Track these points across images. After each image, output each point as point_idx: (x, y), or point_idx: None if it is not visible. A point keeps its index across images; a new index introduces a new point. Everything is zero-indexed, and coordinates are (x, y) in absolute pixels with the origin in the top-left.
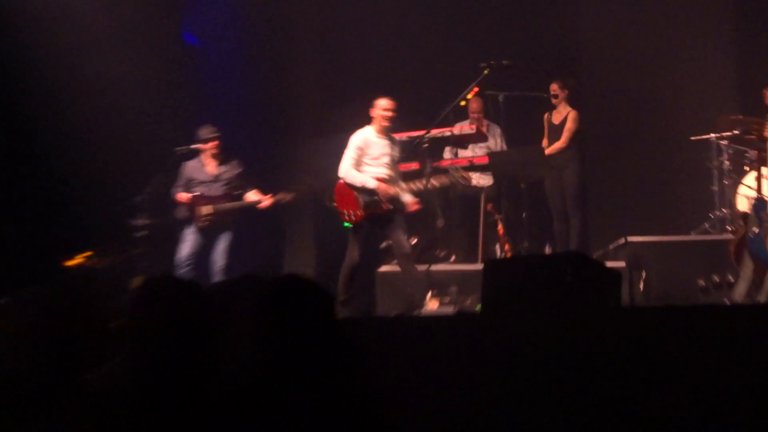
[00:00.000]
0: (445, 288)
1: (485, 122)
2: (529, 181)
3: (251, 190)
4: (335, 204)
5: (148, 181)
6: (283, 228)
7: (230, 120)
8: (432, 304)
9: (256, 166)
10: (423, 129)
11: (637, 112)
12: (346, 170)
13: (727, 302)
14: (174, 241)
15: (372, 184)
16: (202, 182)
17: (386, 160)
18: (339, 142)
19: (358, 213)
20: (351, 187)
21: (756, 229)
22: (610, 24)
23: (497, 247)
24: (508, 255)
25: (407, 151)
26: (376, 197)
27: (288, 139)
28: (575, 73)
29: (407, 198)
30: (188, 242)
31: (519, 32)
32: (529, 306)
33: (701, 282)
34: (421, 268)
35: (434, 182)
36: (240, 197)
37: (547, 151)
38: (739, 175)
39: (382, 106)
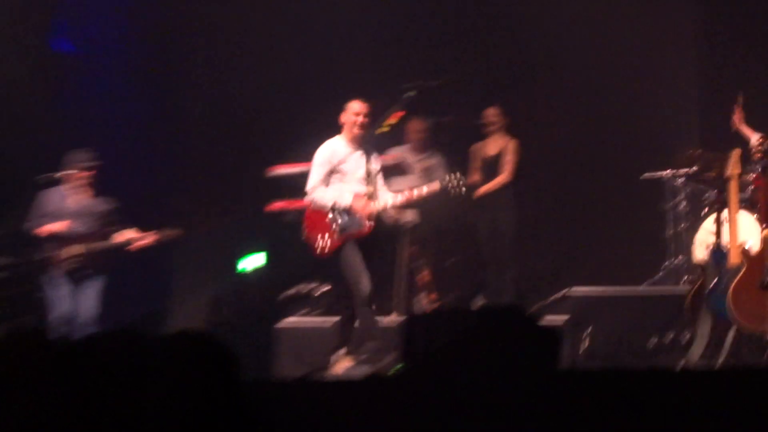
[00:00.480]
0: (360, 345)
1: (423, 150)
2: (459, 223)
3: (129, 227)
4: (306, 234)
5: (5, 215)
6: (171, 272)
7: (112, 144)
8: (343, 363)
9: (141, 199)
10: None
11: (583, 145)
12: (312, 190)
13: (683, 364)
14: (37, 284)
15: (345, 200)
16: (69, 216)
17: (361, 174)
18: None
19: (334, 239)
20: (323, 209)
21: (715, 281)
22: (555, 45)
23: (421, 297)
24: (434, 307)
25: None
26: (354, 217)
27: (185, 167)
28: (516, 99)
29: (402, 213)
30: (58, 293)
31: (455, 52)
32: (456, 367)
33: (653, 341)
34: (333, 320)
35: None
36: (113, 234)
37: (484, 188)
38: (696, 219)
39: (354, 110)
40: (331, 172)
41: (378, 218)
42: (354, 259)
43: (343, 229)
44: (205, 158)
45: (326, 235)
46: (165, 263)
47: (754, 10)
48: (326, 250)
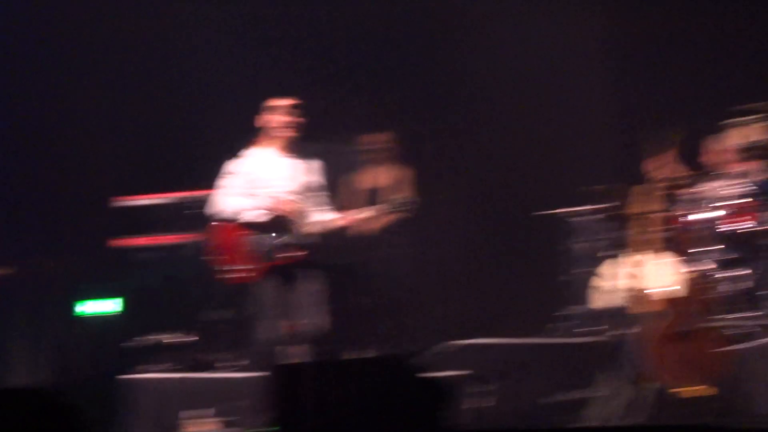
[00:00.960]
0: (214, 404)
1: None
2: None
3: None
4: (212, 261)
5: None
6: None
7: None
8: (193, 427)
9: None
10: (205, 188)
11: (473, 178)
12: (223, 203)
13: (595, 423)
14: None
15: (266, 212)
16: None
17: (287, 187)
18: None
19: (255, 267)
20: (239, 227)
21: (629, 330)
22: (451, 70)
23: (284, 349)
24: (298, 359)
25: (168, 219)
26: (284, 237)
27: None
28: (403, 126)
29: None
30: None
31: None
32: (334, 423)
33: (562, 396)
34: (183, 376)
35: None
36: None
37: (380, 224)
38: (601, 262)
39: (284, 108)
40: (248, 188)
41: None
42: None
43: (269, 254)
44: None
45: (241, 263)
46: None
47: (665, 42)
48: (243, 277)
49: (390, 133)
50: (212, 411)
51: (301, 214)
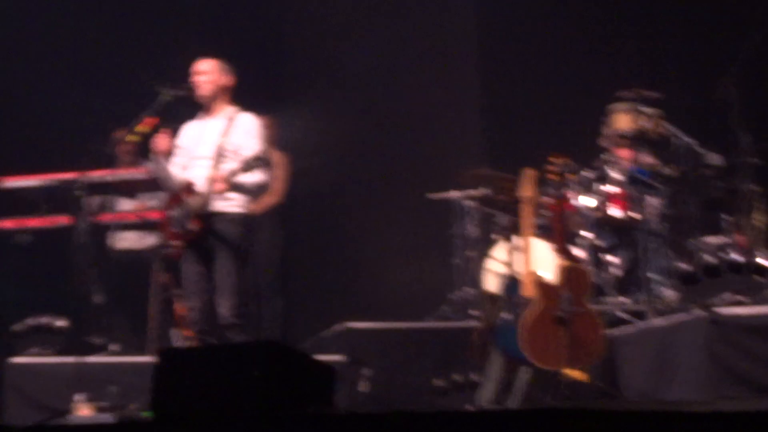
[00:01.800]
0: (103, 388)
1: None
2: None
3: None
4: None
5: None
6: None
7: None
8: (83, 411)
9: None
10: (77, 170)
11: (361, 161)
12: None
13: (471, 408)
14: None
15: (172, 180)
16: None
17: (203, 151)
18: None
19: (175, 243)
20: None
21: (506, 315)
22: (333, 51)
23: (175, 332)
24: (190, 344)
25: (54, 200)
26: (186, 210)
27: None
28: (283, 108)
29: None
30: None
31: (210, 48)
32: (214, 409)
33: (438, 382)
34: (68, 360)
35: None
36: None
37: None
38: (487, 246)
39: (193, 74)
40: (179, 158)
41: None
42: (185, 273)
43: (177, 227)
44: None
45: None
46: None
47: (538, 22)
48: (175, 256)
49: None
50: (100, 394)
51: (211, 180)
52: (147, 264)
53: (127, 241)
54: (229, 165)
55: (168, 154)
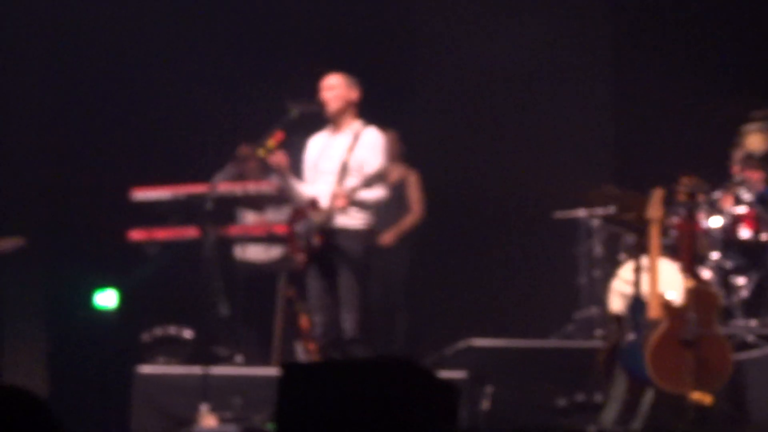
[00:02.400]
0: (226, 399)
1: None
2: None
3: None
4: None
5: None
6: (1, 307)
7: None
8: (208, 421)
9: None
10: (205, 184)
11: (484, 180)
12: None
13: (594, 429)
14: None
15: (298, 196)
16: None
17: (329, 167)
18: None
19: (299, 257)
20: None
21: (632, 336)
22: (455, 61)
23: (299, 346)
24: (313, 357)
25: (183, 213)
26: (310, 226)
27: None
28: (411, 126)
29: (357, 221)
30: None
31: (335, 64)
32: (338, 426)
33: (561, 401)
34: (194, 371)
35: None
36: None
37: (396, 232)
38: (613, 265)
39: (321, 89)
40: (307, 169)
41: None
42: (309, 287)
43: (302, 241)
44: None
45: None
46: None
47: (672, 43)
48: (300, 271)
49: (398, 133)
50: (225, 405)
51: (336, 196)
52: (272, 277)
53: (253, 254)
54: (354, 180)
55: (287, 170)
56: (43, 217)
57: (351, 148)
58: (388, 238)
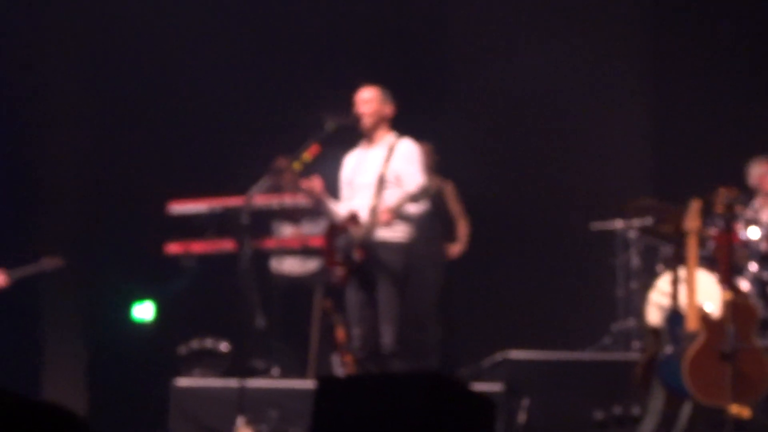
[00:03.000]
0: (263, 412)
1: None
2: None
3: None
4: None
5: None
6: (42, 325)
7: None
8: None
9: None
10: (241, 196)
11: (520, 191)
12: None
13: None
14: None
15: (335, 216)
16: None
17: (365, 180)
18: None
19: (339, 271)
20: (329, 230)
21: (669, 349)
22: (491, 71)
23: (335, 359)
24: (350, 370)
25: (219, 226)
26: (350, 240)
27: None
28: (445, 138)
29: (399, 233)
30: None
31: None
32: None
33: (598, 414)
34: (231, 383)
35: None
36: None
37: (461, 247)
38: (650, 277)
39: (356, 102)
40: (344, 185)
41: (374, 241)
42: (348, 300)
43: (342, 257)
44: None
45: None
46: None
47: (712, 52)
48: (337, 281)
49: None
50: (261, 418)
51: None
52: (309, 290)
53: (289, 266)
54: (392, 192)
55: (321, 194)
56: (81, 232)
57: (387, 160)
58: (455, 250)
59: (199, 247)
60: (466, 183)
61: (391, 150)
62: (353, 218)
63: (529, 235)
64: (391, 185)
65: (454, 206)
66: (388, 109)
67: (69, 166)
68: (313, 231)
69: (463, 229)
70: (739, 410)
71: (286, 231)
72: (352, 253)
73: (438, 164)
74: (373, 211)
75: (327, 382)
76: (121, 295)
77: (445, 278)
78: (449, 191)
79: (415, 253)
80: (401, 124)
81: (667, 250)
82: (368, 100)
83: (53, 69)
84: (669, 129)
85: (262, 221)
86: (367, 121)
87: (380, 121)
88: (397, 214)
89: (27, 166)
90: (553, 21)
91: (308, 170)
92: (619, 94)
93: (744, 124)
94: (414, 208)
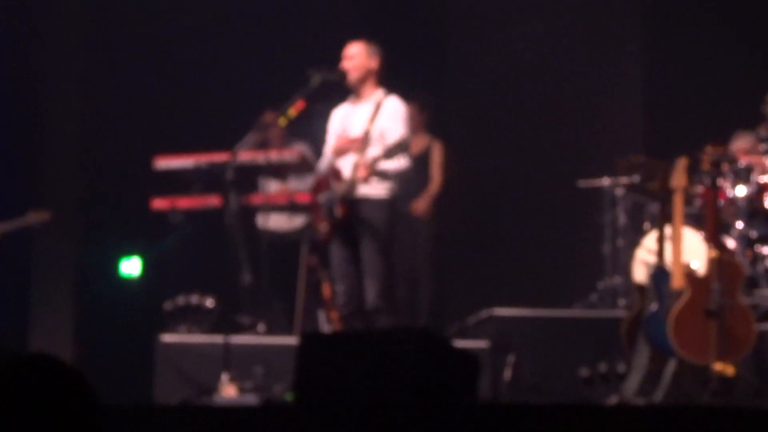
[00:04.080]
0: (248, 368)
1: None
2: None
3: None
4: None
5: None
6: (30, 277)
7: None
8: (228, 390)
9: None
10: (227, 152)
11: (510, 147)
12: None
13: (616, 399)
14: None
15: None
16: None
17: (351, 136)
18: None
19: (323, 227)
20: (315, 185)
21: (655, 306)
22: (486, 31)
23: (321, 314)
24: (336, 327)
25: (205, 182)
26: (333, 196)
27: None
28: (433, 93)
29: (381, 190)
30: None
31: (366, 32)
32: (356, 396)
33: (584, 371)
34: (218, 338)
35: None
36: None
37: (423, 203)
38: (637, 235)
39: (343, 58)
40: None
41: (356, 197)
42: (332, 257)
43: (327, 212)
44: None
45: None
46: (26, 266)
47: (703, 11)
48: (321, 238)
49: (425, 99)
50: (246, 374)
51: (359, 163)
52: (295, 246)
53: (276, 222)
54: (376, 149)
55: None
56: (69, 186)
57: (372, 118)
58: (419, 206)
59: (185, 202)
60: (457, 143)
61: (377, 107)
62: (336, 174)
63: (517, 193)
64: (376, 142)
65: (435, 163)
66: (375, 64)
67: (57, 121)
68: (299, 187)
69: (433, 187)
70: (724, 368)
71: (273, 187)
72: (334, 208)
73: (428, 122)
74: (356, 167)
75: (310, 338)
76: (109, 250)
77: (438, 236)
78: (436, 149)
79: (400, 210)
80: (397, 82)
81: (654, 207)
82: (354, 54)
83: (44, 23)
84: (659, 88)
85: (249, 177)
86: (352, 75)
87: (367, 76)
88: (373, 170)
89: (15, 121)
90: None
91: (294, 125)
92: (610, 54)
93: (735, 86)
94: (393, 165)
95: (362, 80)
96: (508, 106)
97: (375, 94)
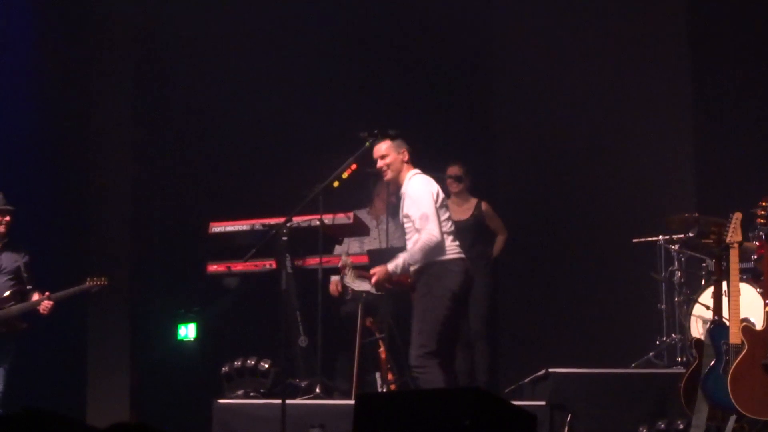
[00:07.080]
0: (305, 429)
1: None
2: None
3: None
4: None
5: None
6: (87, 343)
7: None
8: None
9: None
10: (282, 216)
11: (564, 207)
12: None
13: None
14: None
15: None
16: None
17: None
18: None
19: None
20: None
21: (713, 362)
22: (533, 88)
23: (377, 376)
24: (391, 387)
25: (261, 244)
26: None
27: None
28: (480, 153)
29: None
30: None
31: (414, 98)
32: None
33: (643, 429)
34: (275, 401)
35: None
36: (29, 295)
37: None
38: (693, 291)
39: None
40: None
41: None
42: None
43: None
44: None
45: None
46: (85, 330)
47: (751, 67)
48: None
49: (465, 164)
50: None
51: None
52: (354, 307)
53: (360, 284)
54: (411, 234)
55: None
56: (125, 252)
57: (402, 207)
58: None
59: (240, 266)
60: (513, 201)
61: (403, 196)
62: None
63: (571, 252)
64: (406, 228)
65: (492, 222)
66: (406, 155)
67: (114, 188)
68: (356, 249)
69: (499, 244)
70: None
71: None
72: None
73: (473, 183)
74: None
75: (366, 399)
76: (165, 315)
77: (494, 295)
78: (486, 209)
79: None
80: (448, 151)
81: (709, 263)
82: (385, 153)
83: (101, 91)
84: (712, 144)
85: (303, 240)
86: (388, 174)
87: (401, 167)
88: (389, 277)
89: (73, 188)
90: (593, 43)
91: (344, 186)
92: (663, 110)
93: None
94: (417, 257)
95: (398, 173)
96: (556, 166)
97: (407, 180)
